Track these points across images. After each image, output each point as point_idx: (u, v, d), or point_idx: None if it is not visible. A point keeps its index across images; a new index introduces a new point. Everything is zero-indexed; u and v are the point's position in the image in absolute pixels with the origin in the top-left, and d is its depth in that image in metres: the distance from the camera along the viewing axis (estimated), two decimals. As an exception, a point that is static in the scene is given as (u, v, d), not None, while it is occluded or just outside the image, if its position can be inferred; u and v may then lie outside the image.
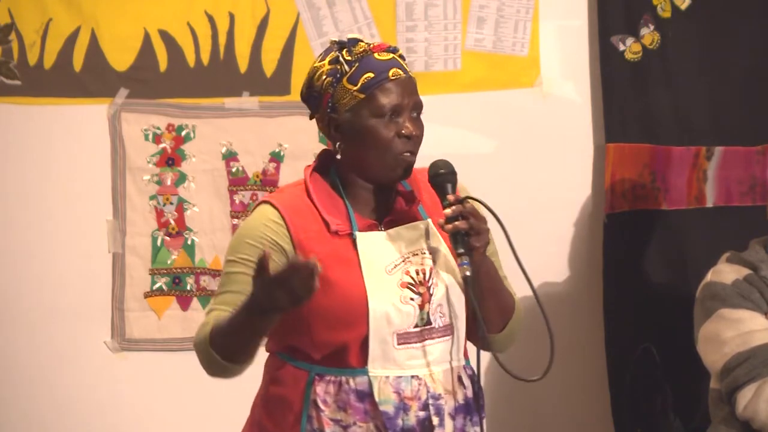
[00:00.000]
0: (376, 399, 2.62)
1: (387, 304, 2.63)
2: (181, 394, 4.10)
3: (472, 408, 2.72)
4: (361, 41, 2.69)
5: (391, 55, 2.68)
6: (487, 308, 2.69)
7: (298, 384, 2.67)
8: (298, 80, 4.11)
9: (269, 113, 4.13)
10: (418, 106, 2.68)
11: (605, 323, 4.22)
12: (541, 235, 4.09)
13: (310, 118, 2.78)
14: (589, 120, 4.26)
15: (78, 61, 4.05)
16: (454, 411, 2.69)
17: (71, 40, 4.04)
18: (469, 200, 2.65)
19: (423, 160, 2.73)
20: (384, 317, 2.62)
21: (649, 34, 4.24)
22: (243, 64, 4.10)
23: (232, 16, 4.09)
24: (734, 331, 3.43)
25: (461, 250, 2.60)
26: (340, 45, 2.68)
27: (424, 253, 2.70)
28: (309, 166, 2.75)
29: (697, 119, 4.29)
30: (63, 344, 4.07)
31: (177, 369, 4.10)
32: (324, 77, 2.68)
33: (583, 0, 4.24)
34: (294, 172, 4.11)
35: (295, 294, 2.45)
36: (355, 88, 2.65)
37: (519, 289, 2.80)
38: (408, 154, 2.66)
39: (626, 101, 4.23)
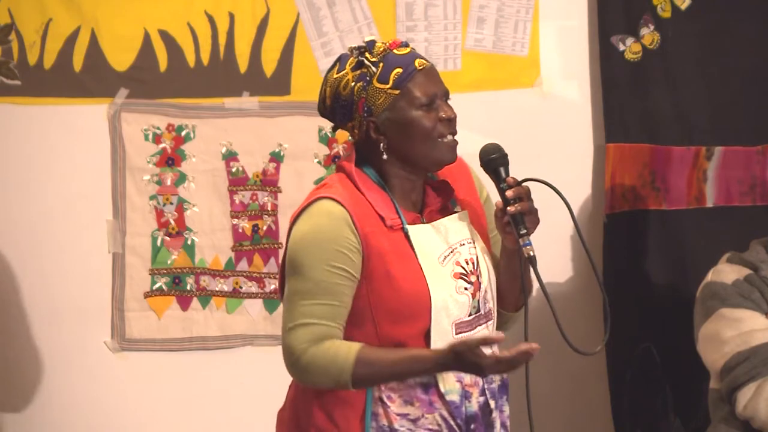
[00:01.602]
0: (442, 390, 2.69)
1: (446, 295, 2.70)
2: (181, 394, 4.10)
3: (506, 388, 2.82)
4: (377, 42, 2.74)
5: (408, 49, 2.75)
6: (514, 287, 2.81)
7: None
8: (298, 80, 4.12)
9: (269, 113, 4.13)
10: (447, 92, 2.76)
11: (605, 323, 4.21)
12: (541, 235, 4.08)
13: (334, 130, 2.83)
14: (589, 120, 4.26)
15: (78, 61, 4.05)
16: (498, 392, 2.79)
17: (71, 40, 4.04)
18: (528, 181, 2.75)
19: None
20: (444, 308, 2.69)
21: (649, 34, 4.24)
22: (243, 64, 4.10)
23: (232, 16, 4.09)
24: (734, 330, 3.43)
25: (523, 231, 2.69)
26: (360, 49, 2.72)
27: (470, 243, 2.78)
28: (346, 161, 2.76)
29: (697, 119, 4.29)
30: (63, 344, 4.07)
31: (177, 369, 4.10)
32: (352, 84, 2.71)
33: (583, 0, 4.24)
34: (294, 172, 4.11)
35: (503, 371, 2.58)
36: (387, 86, 2.69)
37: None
38: (451, 136, 2.73)
39: (626, 101, 4.23)
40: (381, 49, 2.72)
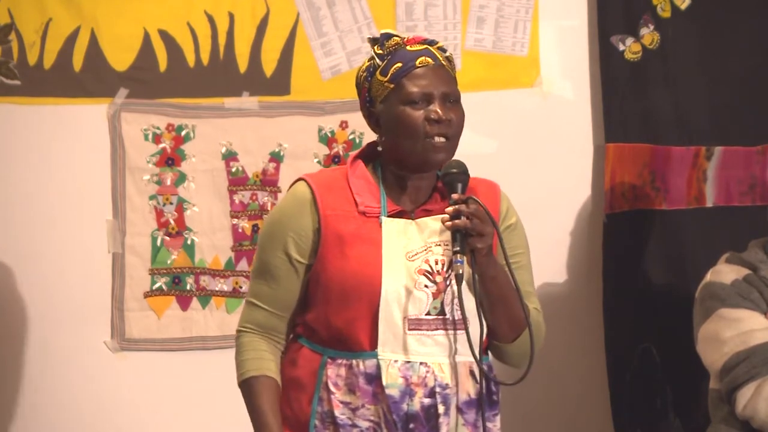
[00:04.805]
0: (384, 382, 2.67)
1: (400, 286, 2.68)
2: (180, 394, 4.10)
3: (485, 403, 2.73)
4: (395, 36, 2.77)
5: (424, 46, 2.76)
6: (494, 315, 2.71)
7: (312, 366, 2.74)
8: (297, 80, 4.13)
9: (269, 113, 4.13)
10: (451, 95, 2.73)
11: (605, 323, 4.22)
12: (541, 235, 4.05)
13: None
14: (589, 120, 4.26)
15: (78, 61, 4.05)
16: (464, 405, 2.71)
17: (71, 40, 4.04)
18: (473, 201, 2.64)
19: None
20: (395, 299, 2.67)
21: (649, 34, 4.24)
22: (243, 64, 4.11)
23: (231, 16, 4.09)
24: (734, 330, 3.43)
25: (456, 248, 2.61)
26: (373, 41, 2.78)
27: (447, 245, 2.72)
28: (354, 154, 2.82)
29: (697, 119, 4.29)
30: (63, 344, 4.06)
31: (177, 369, 4.10)
32: (362, 74, 2.79)
33: (583, 0, 4.24)
34: (294, 172, 4.11)
35: None
36: (385, 79, 2.73)
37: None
38: (438, 137, 2.70)
39: (626, 101, 4.23)
40: (394, 43, 2.75)
